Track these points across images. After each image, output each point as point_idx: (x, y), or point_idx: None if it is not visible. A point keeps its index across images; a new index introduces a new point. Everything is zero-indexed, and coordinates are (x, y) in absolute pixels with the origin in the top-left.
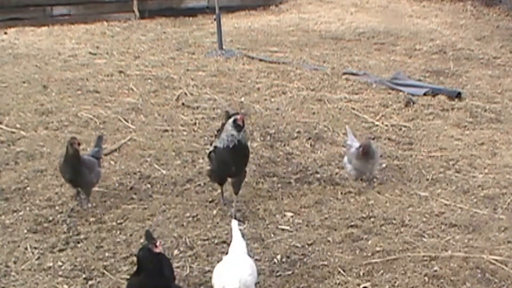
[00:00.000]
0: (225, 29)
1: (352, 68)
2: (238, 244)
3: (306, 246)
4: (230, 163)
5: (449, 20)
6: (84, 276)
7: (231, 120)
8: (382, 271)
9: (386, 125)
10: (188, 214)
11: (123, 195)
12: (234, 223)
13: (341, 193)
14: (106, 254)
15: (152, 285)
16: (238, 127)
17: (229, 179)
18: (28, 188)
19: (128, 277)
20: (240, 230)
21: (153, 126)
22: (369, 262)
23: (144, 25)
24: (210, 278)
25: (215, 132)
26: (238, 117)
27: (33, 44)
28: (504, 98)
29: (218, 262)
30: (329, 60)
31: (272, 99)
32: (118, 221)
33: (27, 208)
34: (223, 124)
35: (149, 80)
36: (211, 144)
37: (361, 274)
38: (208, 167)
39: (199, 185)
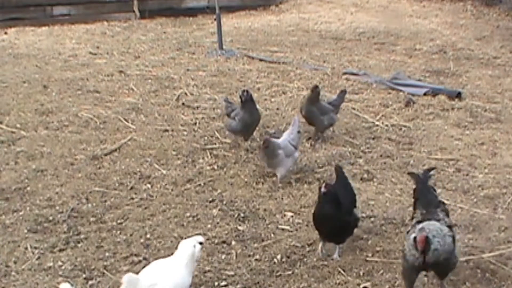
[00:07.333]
0: (225, 29)
1: (352, 68)
2: None
3: (306, 246)
4: None
5: (449, 20)
6: (84, 276)
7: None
8: (382, 271)
9: (386, 125)
10: (188, 214)
11: (123, 195)
12: None
13: None
14: (106, 254)
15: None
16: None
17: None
18: (28, 188)
19: None
20: None
21: (153, 126)
22: (369, 262)
23: (144, 25)
24: (210, 278)
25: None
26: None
27: (33, 44)
28: (504, 98)
29: (218, 262)
30: (329, 60)
31: (272, 99)
32: (118, 221)
33: (27, 208)
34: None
35: (149, 80)
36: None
37: (361, 274)
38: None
39: (199, 185)
